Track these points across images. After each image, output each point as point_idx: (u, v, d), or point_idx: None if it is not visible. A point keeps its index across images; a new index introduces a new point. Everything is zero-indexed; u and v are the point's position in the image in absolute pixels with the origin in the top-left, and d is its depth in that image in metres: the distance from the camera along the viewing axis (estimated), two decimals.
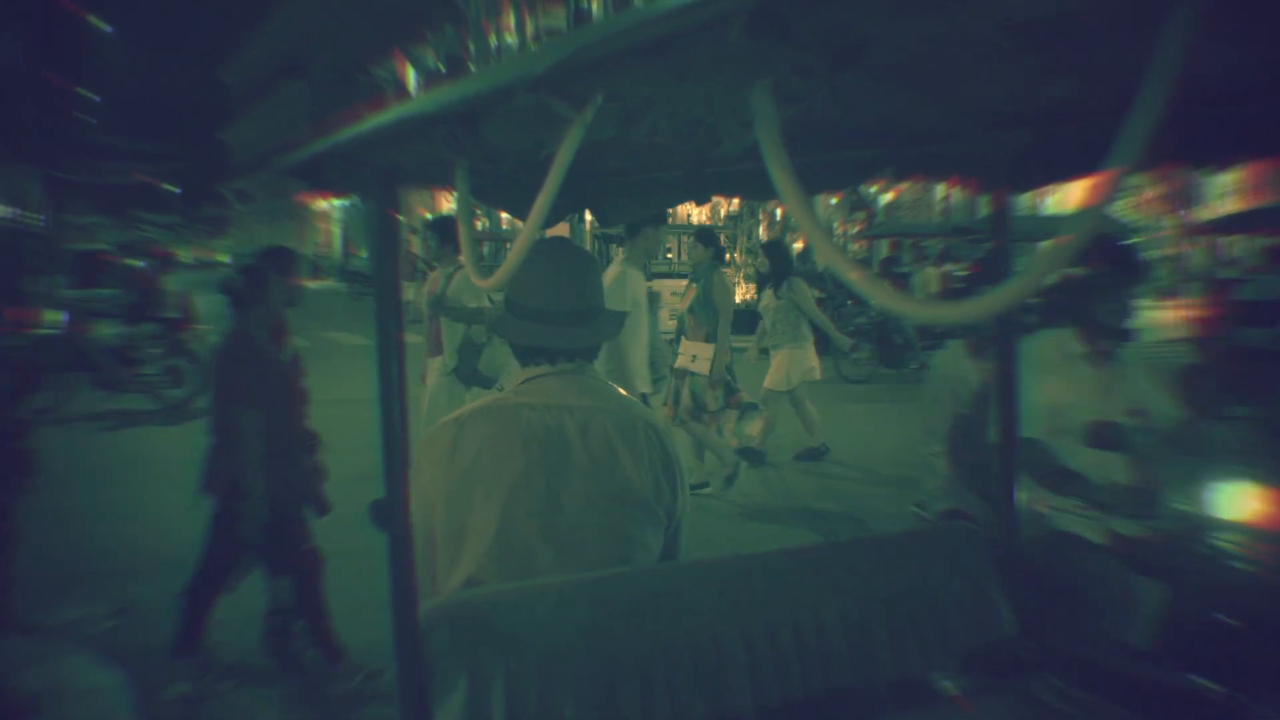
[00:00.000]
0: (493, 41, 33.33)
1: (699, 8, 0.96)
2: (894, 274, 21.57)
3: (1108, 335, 3.73)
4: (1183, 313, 7.16)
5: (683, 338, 8.38)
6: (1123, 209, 25.50)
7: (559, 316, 2.28)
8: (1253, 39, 1.29)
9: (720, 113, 1.28)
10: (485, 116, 1.41)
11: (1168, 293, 20.80)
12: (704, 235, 8.66)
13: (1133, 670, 2.23)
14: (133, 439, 11.67)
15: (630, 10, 1.12)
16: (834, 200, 29.89)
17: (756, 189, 2.06)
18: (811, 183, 2.47)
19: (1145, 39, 0.86)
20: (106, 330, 13.56)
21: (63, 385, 12.90)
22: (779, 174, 1.05)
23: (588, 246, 24.72)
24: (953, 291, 18.51)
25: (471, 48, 35.14)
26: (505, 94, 1.28)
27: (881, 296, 1.01)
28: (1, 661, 3.53)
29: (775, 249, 10.29)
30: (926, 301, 1.14)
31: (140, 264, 19.00)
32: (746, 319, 19.09)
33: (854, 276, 0.98)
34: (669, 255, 30.03)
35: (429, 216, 9.48)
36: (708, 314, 8.14)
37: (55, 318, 15.01)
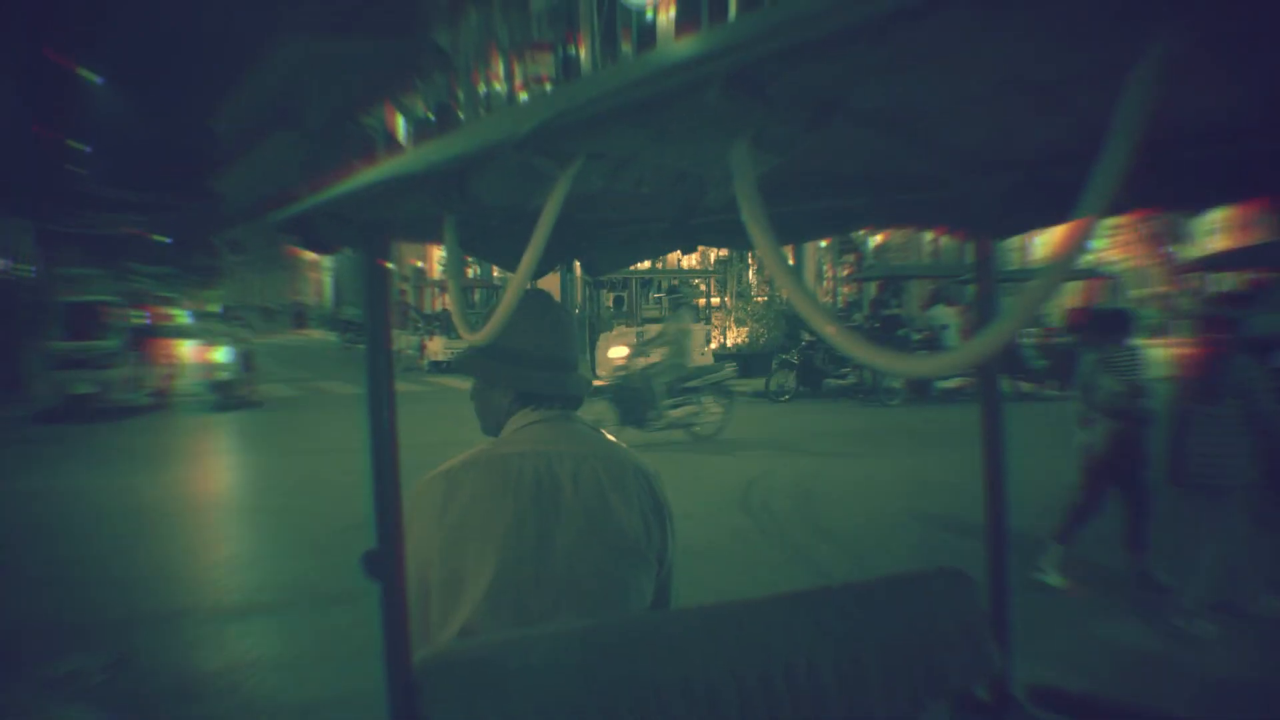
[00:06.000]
0: (482, 89, 33.54)
1: (677, 71, 0.98)
2: (883, 316, 21.61)
3: None
4: (1176, 350, 7.16)
5: None
6: (1109, 249, 25.62)
7: (554, 362, 2.30)
8: (1225, 83, 1.31)
9: (704, 165, 1.30)
10: (472, 174, 1.43)
11: (1159, 331, 20.83)
12: None
13: (1127, 710, 2.22)
14: (129, 489, 11.60)
15: (611, 71, 1.14)
16: (823, 244, 30.00)
17: (743, 239, 2.08)
18: (796, 232, 2.50)
19: (1123, 83, 0.87)
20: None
21: None
22: (755, 229, 1.06)
23: (578, 296, 24.87)
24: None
25: (461, 96, 35.35)
26: (490, 153, 1.30)
27: (858, 350, 1.02)
28: None
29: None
30: (905, 354, 1.14)
31: (141, 317, 19.04)
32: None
33: (830, 331, 0.99)
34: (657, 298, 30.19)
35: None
36: None
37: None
